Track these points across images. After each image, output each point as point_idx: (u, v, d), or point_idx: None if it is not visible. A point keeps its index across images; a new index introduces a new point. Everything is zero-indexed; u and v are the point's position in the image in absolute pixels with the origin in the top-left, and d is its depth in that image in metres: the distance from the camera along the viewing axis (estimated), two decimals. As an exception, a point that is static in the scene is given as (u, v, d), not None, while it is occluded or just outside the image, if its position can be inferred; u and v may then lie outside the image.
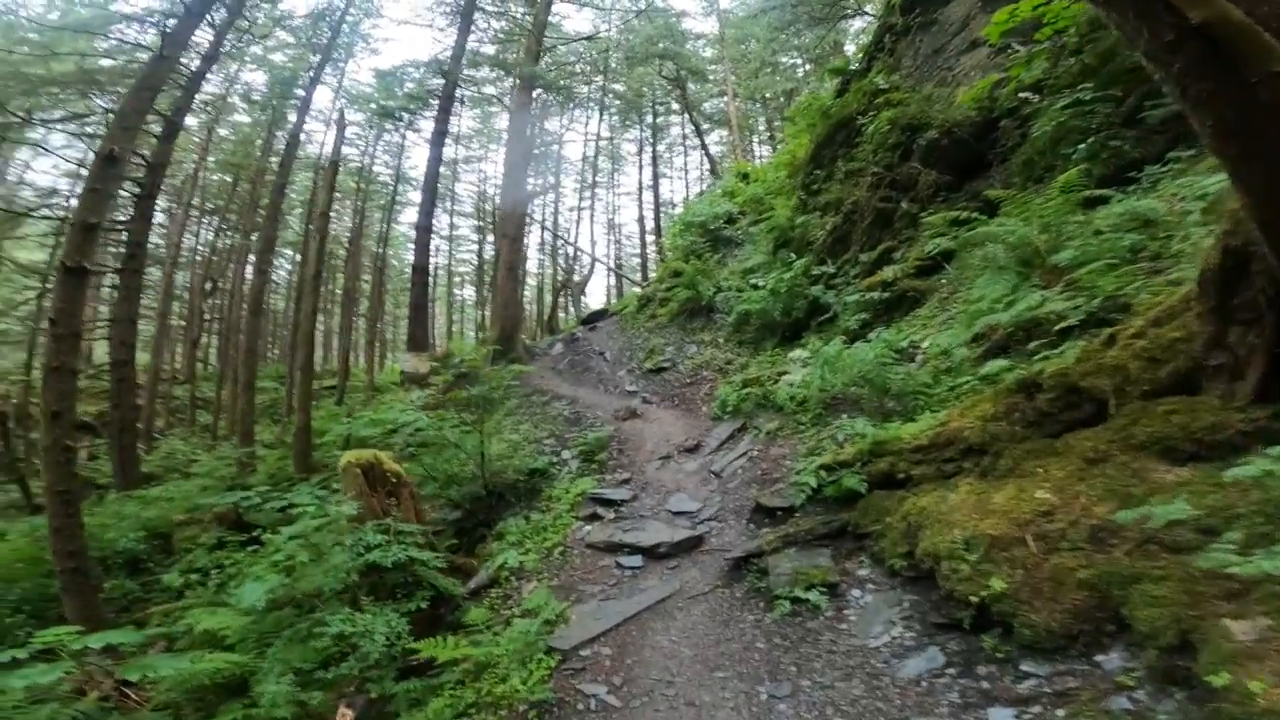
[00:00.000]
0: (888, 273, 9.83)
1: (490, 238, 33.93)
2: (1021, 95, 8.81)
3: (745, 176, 20.60)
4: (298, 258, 37.92)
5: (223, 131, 30.93)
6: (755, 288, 11.84)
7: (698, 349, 12.58)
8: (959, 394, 5.96)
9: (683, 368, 11.99)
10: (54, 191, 24.82)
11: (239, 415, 20.62)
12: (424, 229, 21.31)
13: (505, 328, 16.25)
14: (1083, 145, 6.99)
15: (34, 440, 23.48)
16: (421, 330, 20.49)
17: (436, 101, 22.24)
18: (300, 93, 23.02)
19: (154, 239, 33.14)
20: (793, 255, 11.72)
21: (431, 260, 40.53)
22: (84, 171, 24.57)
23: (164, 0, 17.38)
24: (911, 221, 9.97)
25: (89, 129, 19.39)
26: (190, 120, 30.15)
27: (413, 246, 40.87)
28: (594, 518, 7.65)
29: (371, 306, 33.08)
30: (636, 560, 6.35)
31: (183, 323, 31.70)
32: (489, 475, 9.56)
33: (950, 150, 9.59)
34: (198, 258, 32.47)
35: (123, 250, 15.85)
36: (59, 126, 18.94)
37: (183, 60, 17.11)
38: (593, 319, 18.79)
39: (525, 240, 36.06)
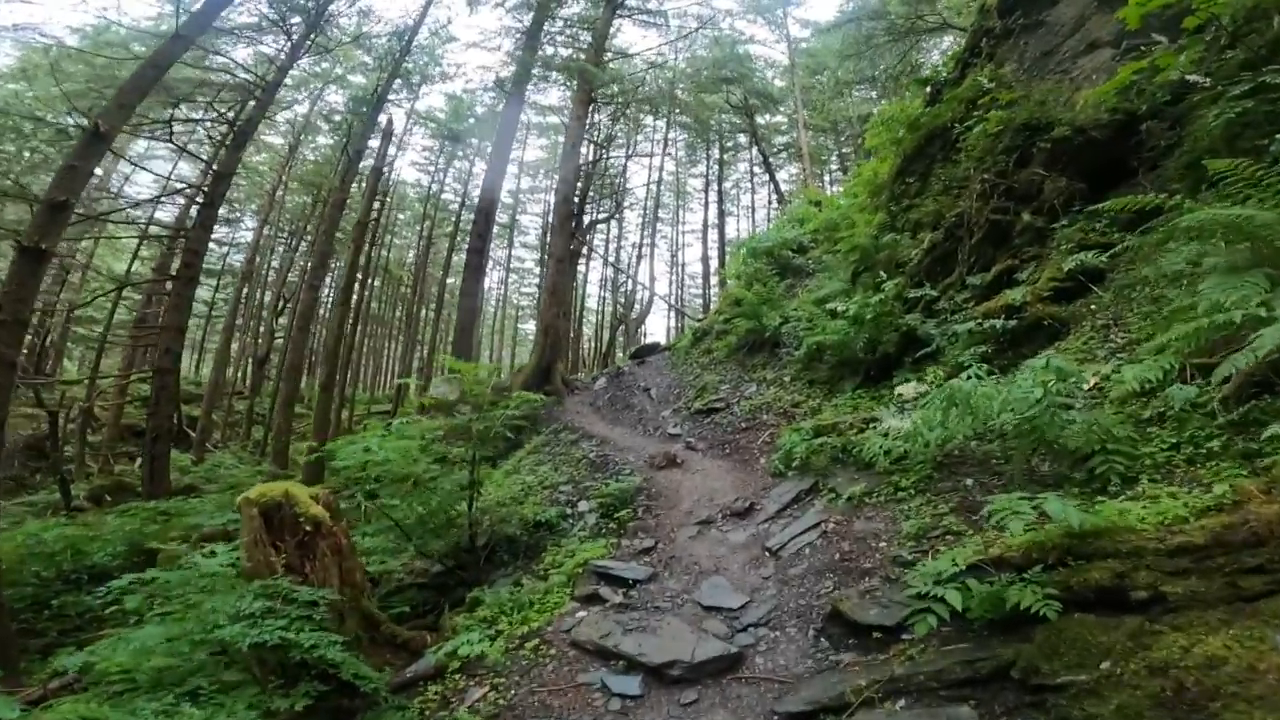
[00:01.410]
0: (1013, 295, 7.32)
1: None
2: (1191, 79, 6.51)
3: (818, 204, 18.30)
4: (373, 282, 37.67)
5: (307, 154, 30.90)
6: (832, 315, 9.39)
7: (758, 388, 10.16)
8: (1201, 455, 3.41)
9: (738, 409, 9.58)
10: (137, 203, 24.58)
11: (276, 433, 19.29)
12: (475, 251, 19.75)
13: (543, 357, 14.25)
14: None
15: (96, 443, 22.97)
16: (465, 355, 18.75)
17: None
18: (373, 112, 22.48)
19: (235, 256, 33.38)
20: (881, 277, 9.25)
21: (493, 290, 39.60)
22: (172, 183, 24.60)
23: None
24: (1037, 236, 7.76)
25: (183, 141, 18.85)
26: (275, 139, 30.41)
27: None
28: (594, 600, 5.30)
29: (433, 333, 31.99)
30: (632, 684, 3.97)
31: (256, 340, 31.36)
32: (478, 525, 7.37)
33: (1083, 154, 7.65)
34: (272, 275, 32.31)
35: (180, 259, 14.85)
36: (149, 133, 18.34)
37: (257, 72, 16.47)
38: (643, 353, 16.61)
39: (581, 270, 34.83)
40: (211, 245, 35.31)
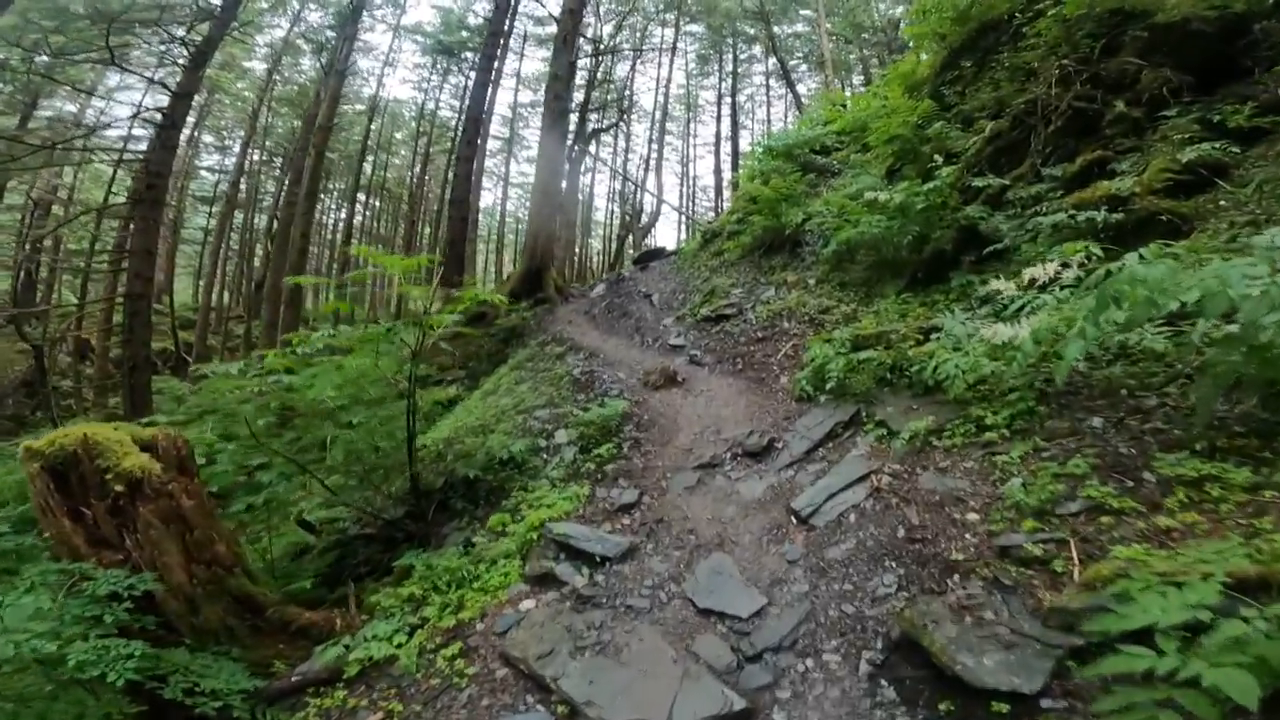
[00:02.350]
0: (1116, 186, 5.46)
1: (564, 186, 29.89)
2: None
3: (843, 106, 15.68)
4: (374, 201, 35.45)
5: (294, 77, 28.09)
6: (870, 206, 7.36)
7: (776, 292, 8.25)
8: None
9: (752, 316, 7.72)
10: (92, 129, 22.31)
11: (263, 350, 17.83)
12: (465, 159, 17.53)
13: (533, 261, 12.31)
14: None
15: (88, 374, 21.74)
16: (457, 268, 16.84)
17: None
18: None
19: (218, 180, 31.16)
20: (934, 166, 7.17)
21: (495, 206, 37.09)
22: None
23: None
24: (1133, 128, 6.32)
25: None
26: (257, 64, 27.56)
27: (486, 190, 37.81)
28: (548, 581, 3.68)
29: (432, 249, 30.05)
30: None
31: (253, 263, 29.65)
32: (425, 466, 5.78)
33: (1186, 45, 6.40)
34: (268, 201, 30.25)
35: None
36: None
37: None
38: (647, 258, 14.58)
39: (587, 182, 32.27)
40: (204, 173, 33.29)
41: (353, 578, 4.94)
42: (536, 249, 12.43)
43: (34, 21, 13.46)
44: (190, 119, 28.81)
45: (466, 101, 29.09)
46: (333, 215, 35.01)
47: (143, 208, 12.44)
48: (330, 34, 21.68)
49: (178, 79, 13.57)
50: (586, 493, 4.78)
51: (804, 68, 29.27)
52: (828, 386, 4.98)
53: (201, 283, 28.87)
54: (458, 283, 15.91)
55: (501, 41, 22.33)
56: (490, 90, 24.83)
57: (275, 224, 26.29)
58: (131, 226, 14.20)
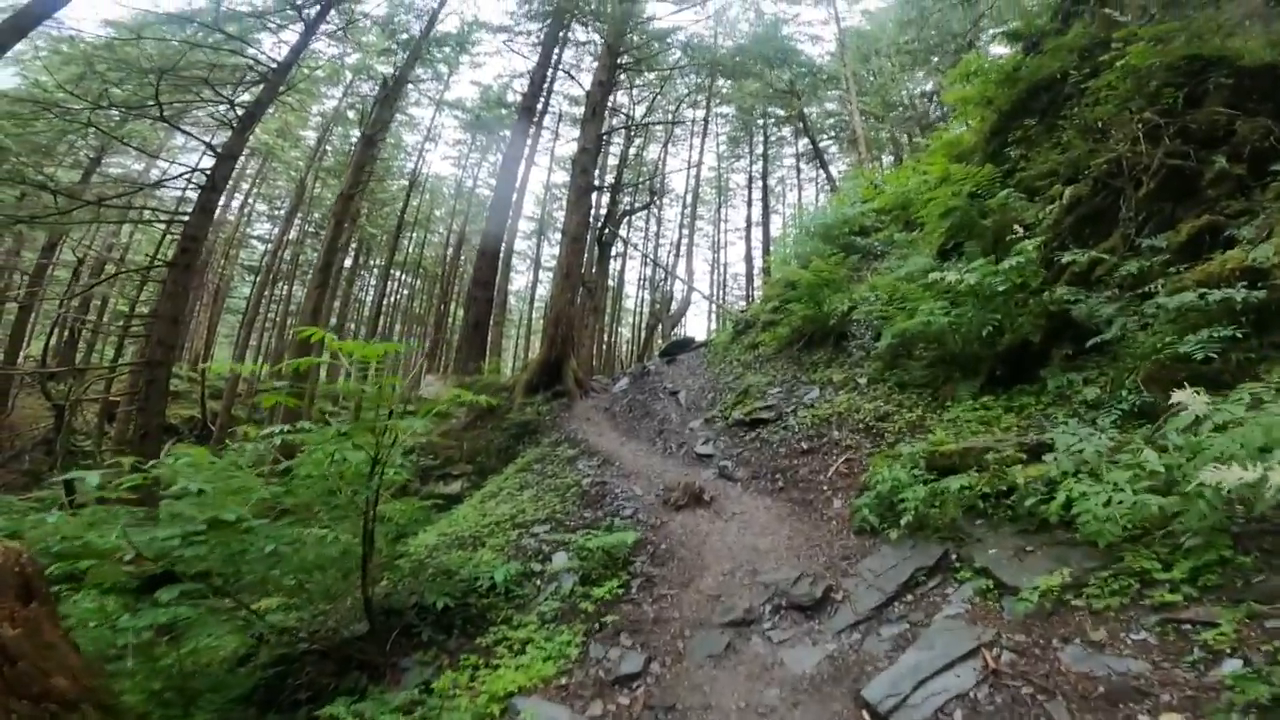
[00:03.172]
0: (1257, 255, 4.43)
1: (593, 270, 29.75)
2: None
3: (877, 186, 15.05)
4: (410, 279, 35.76)
5: (340, 145, 29.07)
6: (931, 289, 6.34)
7: (821, 393, 7.13)
8: None
9: (794, 422, 6.58)
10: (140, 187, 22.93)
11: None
12: (493, 237, 17.33)
13: (552, 350, 11.45)
14: None
15: (110, 436, 21.31)
16: (477, 352, 16.19)
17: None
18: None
19: (265, 249, 31.78)
20: (1017, 235, 6.19)
21: (527, 287, 37.05)
22: (157, 168, 22.73)
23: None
24: (1238, 187, 5.43)
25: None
26: (310, 133, 28.59)
27: (517, 272, 37.99)
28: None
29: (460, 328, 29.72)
30: None
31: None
32: (397, 582, 4.70)
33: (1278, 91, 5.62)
34: (306, 271, 30.66)
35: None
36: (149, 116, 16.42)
37: (267, 52, 14.55)
38: (674, 350, 13.60)
39: (616, 267, 32.07)
40: (254, 242, 34.15)
41: (290, 703, 3.80)
42: (556, 337, 11.59)
43: (98, 71, 13.39)
44: (244, 185, 29.84)
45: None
46: (372, 291, 35.25)
47: (174, 272, 12.03)
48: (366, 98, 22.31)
49: (225, 140, 13.56)
50: (578, 648, 3.61)
51: (834, 149, 29.25)
52: (902, 520, 3.79)
53: (234, 352, 28.86)
54: (474, 369, 15.12)
55: (535, 119, 22.56)
56: (523, 168, 24.93)
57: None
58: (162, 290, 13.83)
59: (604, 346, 31.78)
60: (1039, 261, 5.92)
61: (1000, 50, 12.99)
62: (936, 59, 20.98)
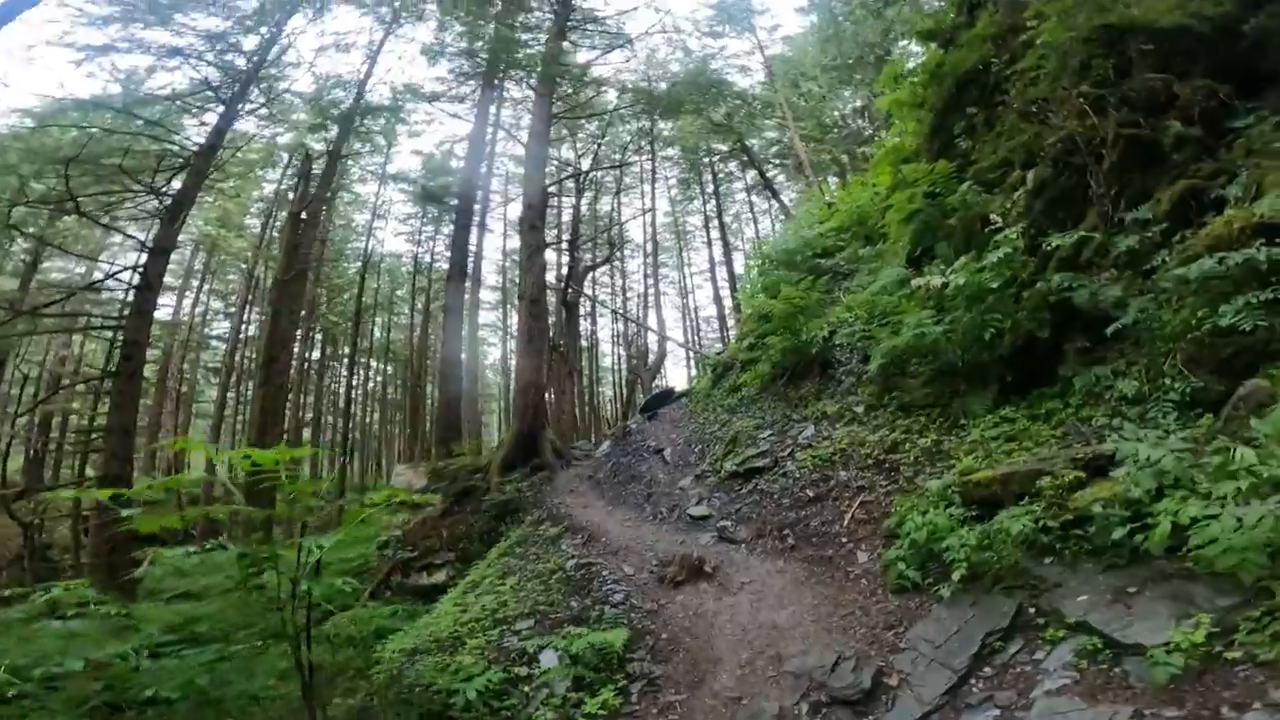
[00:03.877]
0: (1268, 208, 3.94)
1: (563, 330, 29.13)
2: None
3: (830, 205, 14.79)
4: (381, 365, 34.75)
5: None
6: (913, 298, 5.79)
7: (816, 429, 6.44)
8: None
9: (794, 467, 5.85)
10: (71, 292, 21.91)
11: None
12: (453, 311, 16.71)
13: (525, 423, 10.64)
14: None
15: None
16: (453, 432, 15.30)
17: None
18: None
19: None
20: (996, 226, 5.73)
21: (500, 359, 36.28)
22: (100, 270, 21.79)
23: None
24: (1202, 150, 5.19)
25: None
26: (254, 221, 27.61)
27: (490, 345, 37.21)
28: None
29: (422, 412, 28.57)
30: None
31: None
32: (372, 695, 3.86)
33: (1200, 53, 5.54)
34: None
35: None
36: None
37: (191, 137, 13.80)
38: (654, 405, 12.84)
39: (587, 326, 31.51)
40: (215, 342, 32.88)
41: None
42: (527, 407, 10.84)
43: (11, 165, 12.20)
44: (194, 283, 28.62)
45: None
46: (345, 382, 34.06)
47: (119, 382, 11.06)
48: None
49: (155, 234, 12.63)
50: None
51: (782, 177, 29.39)
52: (954, 575, 3.04)
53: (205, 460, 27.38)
54: (444, 453, 14.15)
55: (480, 183, 21.92)
56: (477, 235, 24.24)
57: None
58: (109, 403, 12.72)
59: (587, 409, 30.89)
60: (1024, 250, 5.43)
61: (919, 49, 13.07)
62: (860, 76, 21.32)
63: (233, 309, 30.39)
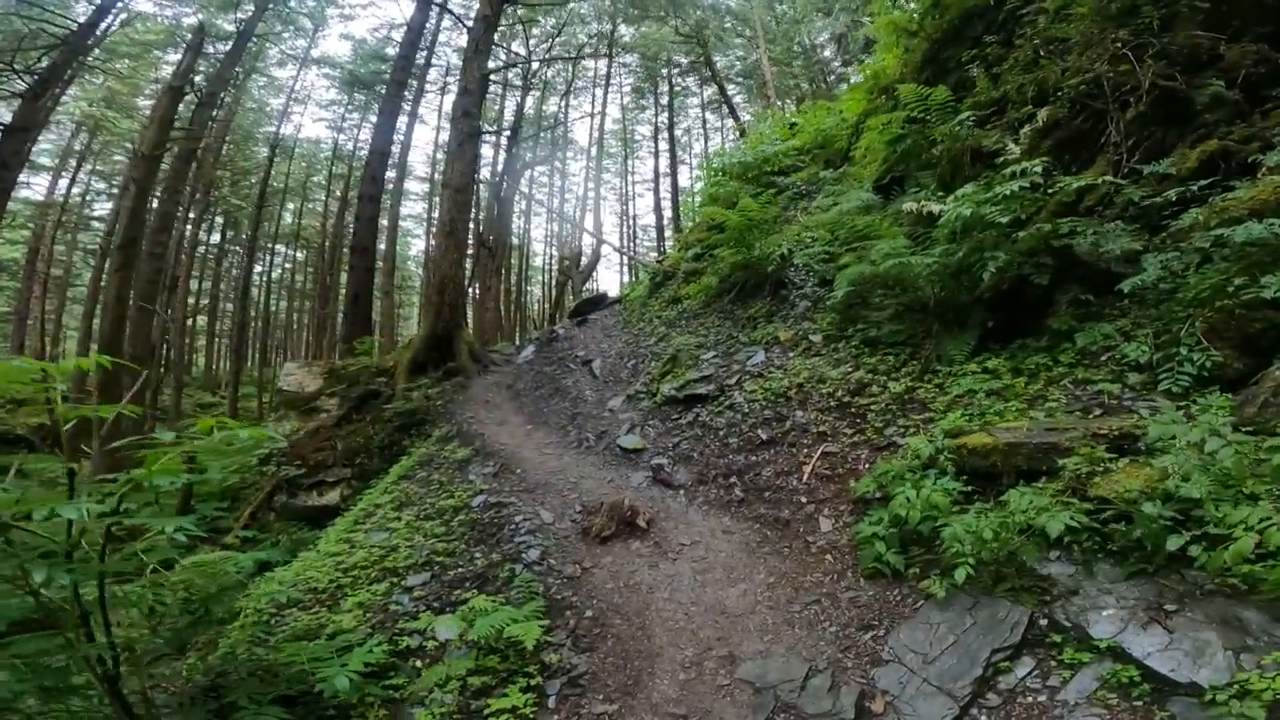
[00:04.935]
0: None
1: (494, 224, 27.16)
2: None
3: (793, 126, 13.72)
4: (293, 252, 31.99)
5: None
6: (894, 225, 5.02)
7: (768, 355, 5.75)
8: None
9: (742, 398, 5.16)
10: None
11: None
12: (369, 199, 14.89)
13: (439, 321, 9.54)
14: None
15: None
16: (360, 327, 13.95)
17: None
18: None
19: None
20: (1009, 158, 4.99)
21: (423, 252, 33.96)
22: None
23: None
24: (1237, 113, 4.79)
25: None
26: (146, 103, 24.23)
27: (415, 237, 34.78)
28: None
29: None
30: None
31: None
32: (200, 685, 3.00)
33: (1265, 17, 4.92)
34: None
35: None
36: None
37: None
38: (585, 309, 11.88)
39: (520, 224, 29.76)
40: (95, 224, 29.11)
41: None
42: (443, 305, 9.70)
43: None
44: (72, 162, 25.21)
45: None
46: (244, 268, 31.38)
47: None
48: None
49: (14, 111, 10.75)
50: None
51: (740, 97, 27.95)
52: (958, 574, 2.42)
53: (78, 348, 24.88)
54: (348, 351, 12.89)
55: (417, 71, 19.91)
56: (407, 123, 22.21)
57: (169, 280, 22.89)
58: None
59: (513, 308, 29.60)
60: (1053, 188, 4.73)
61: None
62: (839, 2, 19.75)
63: (115, 190, 27.03)
